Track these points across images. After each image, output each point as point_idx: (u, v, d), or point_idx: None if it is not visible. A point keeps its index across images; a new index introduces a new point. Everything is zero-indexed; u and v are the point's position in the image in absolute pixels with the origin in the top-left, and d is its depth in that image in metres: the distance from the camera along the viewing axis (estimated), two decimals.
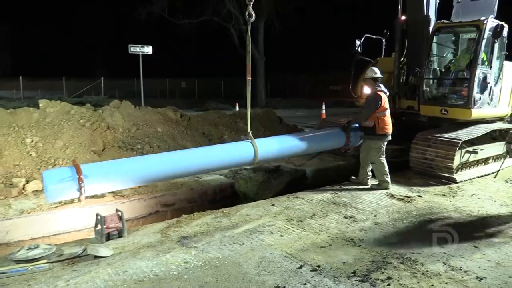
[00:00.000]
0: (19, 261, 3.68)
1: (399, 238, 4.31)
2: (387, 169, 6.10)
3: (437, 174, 6.63)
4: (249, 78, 5.58)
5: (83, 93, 27.13)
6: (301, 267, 3.61)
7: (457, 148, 6.48)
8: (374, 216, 4.99)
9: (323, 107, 14.60)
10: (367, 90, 8.42)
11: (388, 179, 6.11)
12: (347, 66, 8.77)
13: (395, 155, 7.59)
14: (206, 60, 35.17)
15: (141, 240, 4.25)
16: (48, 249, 3.87)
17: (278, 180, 7.29)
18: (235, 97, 17.42)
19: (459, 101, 7.15)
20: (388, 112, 6.10)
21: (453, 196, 5.82)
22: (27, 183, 5.96)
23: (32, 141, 6.72)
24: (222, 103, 23.79)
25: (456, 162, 6.60)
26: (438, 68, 7.90)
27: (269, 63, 26.41)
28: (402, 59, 8.25)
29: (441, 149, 6.57)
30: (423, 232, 4.48)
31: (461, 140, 6.54)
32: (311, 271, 3.55)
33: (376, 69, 6.23)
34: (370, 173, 6.28)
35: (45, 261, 3.70)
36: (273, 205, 5.37)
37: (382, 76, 6.31)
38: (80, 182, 4.10)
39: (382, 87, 6.17)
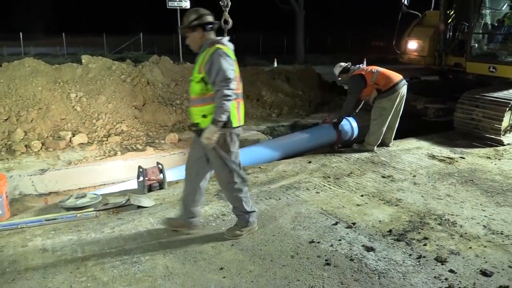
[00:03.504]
0: (68, 209, 3.91)
1: (438, 199, 4.23)
2: (380, 135, 5.75)
3: (482, 136, 6.35)
4: None
5: (123, 49, 27.48)
6: (336, 223, 3.64)
7: (507, 109, 6.13)
8: (413, 176, 4.89)
9: (365, 63, 14.11)
10: (412, 45, 8.03)
11: (374, 145, 5.80)
12: (393, 20, 8.33)
13: (439, 114, 7.30)
14: (243, 15, 34.55)
15: (181, 193, 4.40)
16: (95, 198, 4.08)
17: None
18: (274, 52, 17.10)
19: (510, 57, 6.69)
20: (378, 70, 5.71)
21: (499, 159, 5.58)
22: (73, 136, 6.25)
23: (76, 96, 6.97)
24: (259, 59, 23.47)
25: (505, 123, 6.26)
26: (489, 22, 7.36)
27: (309, 17, 25.46)
28: (450, 12, 7.73)
29: (489, 109, 6.24)
30: (464, 194, 4.37)
31: None
32: (346, 228, 3.57)
33: (340, 64, 6.02)
34: (393, 135, 6.01)
35: (92, 209, 3.92)
36: (309, 162, 5.37)
37: (348, 63, 6.05)
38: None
39: (356, 67, 5.90)
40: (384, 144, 5.97)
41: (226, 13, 4.75)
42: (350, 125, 6.25)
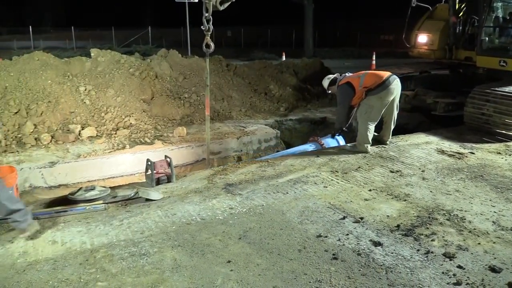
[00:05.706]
0: (77, 201, 3.95)
1: (447, 194, 4.19)
2: (366, 133, 5.31)
3: (493, 131, 6.27)
4: (208, 113, 5.20)
5: (131, 42, 27.60)
6: (344, 218, 3.63)
7: None
8: (422, 171, 4.86)
9: (373, 57, 13.99)
10: (422, 38, 7.94)
11: (364, 144, 5.39)
12: (402, 13, 8.24)
13: (449, 109, 7.23)
14: (252, 8, 34.38)
15: (189, 186, 4.42)
16: (104, 191, 4.11)
17: (323, 131, 7.22)
18: (282, 45, 17.04)
19: None
20: (366, 73, 5.49)
21: (509, 155, 5.51)
22: (82, 129, 6.29)
23: (85, 90, 7.01)
24: (268, 53, 23.39)
25: None
26: (501, 16, 7.26)
27: (318, 10, 25.29)
28: (461, 6, 7.64)
29: (501, 104, 6.15)
30: (474, 190, 4.33)
31: None
32: (353, 222, 3.56)
33: (328, 76, 5.85)
34: (390, 133, 5.73)
35: (100, 201, 3.95)
36: (317, 156, 5.36)
37: (336, 74, 5.87)
38: None
39: (342, 76, 5.67)
40: (381, 142, 5.75)
41: (208, 37, 4.85)
42: (337, 143, 5.99)
